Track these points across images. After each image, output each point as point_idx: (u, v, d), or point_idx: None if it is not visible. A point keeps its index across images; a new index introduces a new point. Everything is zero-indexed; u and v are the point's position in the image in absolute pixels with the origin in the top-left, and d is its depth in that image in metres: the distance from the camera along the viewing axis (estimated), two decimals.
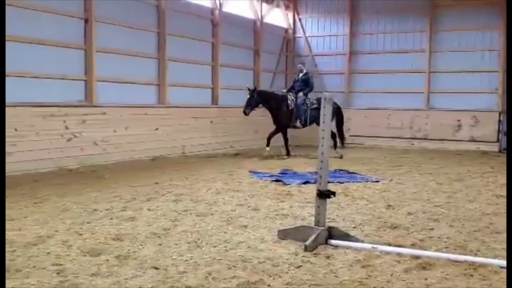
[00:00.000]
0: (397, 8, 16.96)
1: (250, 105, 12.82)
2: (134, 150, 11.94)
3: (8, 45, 9.33)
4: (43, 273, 4.26)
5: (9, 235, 5.31)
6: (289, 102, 13.32)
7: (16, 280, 4.08)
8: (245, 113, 12.85)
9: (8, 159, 9.26)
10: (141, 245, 5.12)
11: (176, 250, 4.97)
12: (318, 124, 12.82)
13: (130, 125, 11.92)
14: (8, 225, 5.75)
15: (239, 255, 4.83)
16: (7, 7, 9.43)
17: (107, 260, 4.63)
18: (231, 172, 10.30)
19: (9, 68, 9.33)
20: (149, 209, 6.74)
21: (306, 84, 13.68)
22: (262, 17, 17.06)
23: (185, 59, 13.94)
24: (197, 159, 12.57)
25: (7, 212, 6.38)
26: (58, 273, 4.26)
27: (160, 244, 5.15)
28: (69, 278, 4.15)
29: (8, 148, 9.26)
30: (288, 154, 13.41)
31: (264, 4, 17.22)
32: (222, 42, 15.27)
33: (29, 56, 10.07)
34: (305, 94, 13.61)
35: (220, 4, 15.11)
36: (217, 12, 15.05)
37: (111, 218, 6.21)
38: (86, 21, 11.16)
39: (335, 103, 12.66)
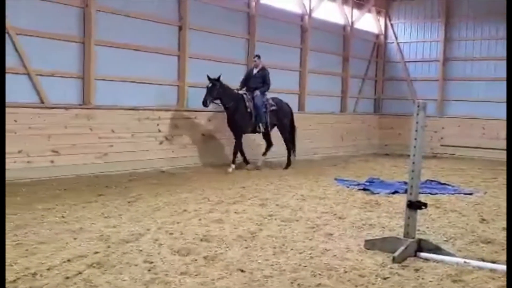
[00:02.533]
0: (495, 13, 16.09)
1: (212, 96, 10.73)
2: (221, 154, 12.16)
3: (111, 51, 9.92)
4: (135, 269, 4.43)
5: (104, 231, 5.59)
6: (246, 103, 11.28)
7: (110, 275, 4.27)
8: (205, 104, 10.63)
9: (104, 159, 9.82)
10: (228, 247, 5.21)
11: (262, 254, 5.00)
12: (280, 129, 11.94)
13: (218, 129, 12.16)
14: (103, 222, 6.07)
15: (325, 263, 4.78)
16: (112, 15, 10.03)
17: (195, 260, 4.74)
18: (316, 179, 10.23)
19: (112, 73, 9.98)
20: (235, 212, 6.84)
21: (263, 81, 11.58)
22: (352, 22, 16.85)
23: (272, 65, 14.02)
24: (283, 165, 12.58)
25: (103, 209, 6.75)
26: (149, 270, 4.42)
27: (246, 247, 5.21)
28: (160, 275, 4.30)
29: (105, 149, 9.80)
30: (247, 162, 11.55)
31: (355, 10, 17.00)
32: (311, 48, 15.23)
33: (130, 62, 10.57)
34: (263, 93, 11.58)
35: (310, 10, 15.10)
36: (306, 18, 15.04)
37: (200, 219, 6.36)
38: (180, 28, 11.56)
39: (281, 101, 12.05)
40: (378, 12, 18.17)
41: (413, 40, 17.93)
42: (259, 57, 11.73)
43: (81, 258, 4.64)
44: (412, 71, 17.91)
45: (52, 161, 9.07)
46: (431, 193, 8.74)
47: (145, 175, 9.95)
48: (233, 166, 10.93)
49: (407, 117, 15.21)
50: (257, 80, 11.57)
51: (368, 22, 17.85)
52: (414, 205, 5.14)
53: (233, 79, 12.91)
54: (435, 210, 7.38)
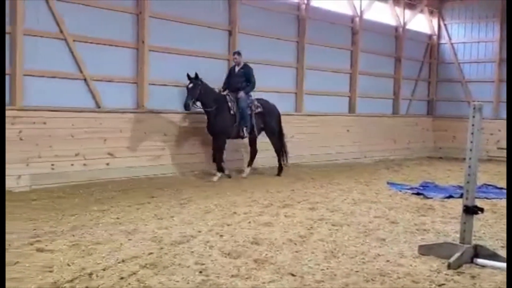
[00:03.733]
0: None
1: (194, 97, 9.53)
2: (271, 156, 12.16)
3: (163, 56, 10.17)
4: (187, 271, 4.50)
5: (157, 233, 5.70)
6: (229, 104, 10.07)
7: (163, 276, 4.35)
8: (188, 107, 9.48)
9: (157, 161, 10.00)
10: (278, 250, 5.20)
11: (313, 259, 4.97)
12: (267, 133, 10.80)
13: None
14: (156, 223, 6.19)
15: (377, 268, 4.70)
16: (164, 21, 10.23)
17: (246, 262, 4.76)
18: (368, 183, 10.09)
19: (164, 77, 10.34)
20: (285, 216, 6.83)
21: (247, 79, 10.35)
22: (404, 23, 16.53)
23: (322, 67, 13.96)
24: (333, 168, 12.48)
25: (156, 211, 6.88)
26: (200, 272, 4.47)
27: (296, 251, 5.19)
28: (211, 277, 4.34)
29: (157, 152, 10.00)
30: (221, 170, 10.03)
31: (406, 10, 16.68)
32: (361, 50, 15.05)
33: (181, 66, 10.60)
34: (247, 94, 10.36)
35: (361, 12, 14.93)
36: (357, 19, 14.88)
37: (249, 222, 6.39)
38: (230, 32, 11.66)
39: (267, 102, 10.85)
40: (431, 13, 17.75)
41: (467, 40, 17.41)
42: (239, 53, 10.48)
43: (135, 258, 4.75)
44: (467, 72, 17.39)
45: (107, 164, 9.32)
46: (487, 198, 8.48)
47: (195, 177, 10.06)
48: (219, 174, 9.86)
49: (461, 119, 14.84)
50: (240, 79, 10.37)
51: (420, 22, 17.46)
52: (471, 210, 4.99)
53: (283, 82, 12.99)
54: (491, 215, 7.15)
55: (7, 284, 3.98)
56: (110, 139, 9.35)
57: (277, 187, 9.17)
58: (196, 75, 9.56)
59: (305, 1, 13.25)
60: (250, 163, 10.75)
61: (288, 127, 12.61)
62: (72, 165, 8.79)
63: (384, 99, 16.30)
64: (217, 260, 4.82)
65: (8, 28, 8.26)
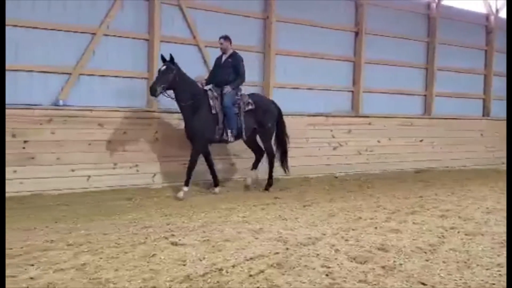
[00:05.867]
0: None
1: (164, 82, 7.71)
2: (397, 161, 11.83)
3: (288, 60, 10.27)
4: (313, 273, 4.49)
5: (283, 234, 5.77)
6: (211, 102, 8.20)
7: (289, 276, 4.38)
8: (154, 92, 7.64)
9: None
10: (407, 258, 5.02)
11: (444, 268, 4.73)
12: (260, 135, 8.75)
13: (394, 135, 11.85)
14: (281, 224, 6.27)
15: None
16: (290, 25, 10.35)
17: (373, 268, 4.66)
18: (503, 190, 9.41)
19: (289, 81, 10.41)
20: (414, 223, 6.58)
21: (235, 71, 8.42)
22: None
23: (454, 68, 13.28)
24: (464, 174, 11.81)
25: (280, 212, 6.98)
26: (327, 275, 4.44)
27: (426, 260, 4.98)
28: (338, 281, 4.30)
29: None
30: (216, 184, 8.52)
31: None
32: (497, 50, 14.09)
33: (305, 69, 10.81)
34: (235, 89, 8.41)
35: (497, 10, 13.98)
36: (492, 18, 13.96)
37: (376, 228, 6.24)
38: (356, 34, 11.51)
39: (273, 102, 9.15)
40: None
41: None
42: (226, 38, 8.49)
43: (262, 257, 4.84)
44: None
45: (232, 165, 9.63)
46: None
47: (319, 180, 10.06)
48: (185, 188, 7.94)
49: None
50: (227, 70, 8.42)
51: None
52: None
53: (408, 83, 12.54)
54: None
55: (146, 275, 4.26)
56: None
57: (404, 193, 8.87)
58: (172, 58, 7.81)
59: (436, 0, 12.71)
60: (256, 166, 8.98)
61: (417, 130, 12.23)
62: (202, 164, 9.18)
63: None
64: (343, 264, 4.76)
65: (146, 35, 8.86)
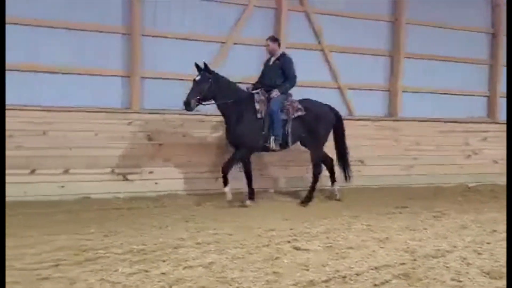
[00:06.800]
0: None
1: (199, 93, 7.23)
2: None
3: (416, 63, 9.95)
4: (443, 286, 4.26)
5: (410, 244, 5.53)
6: (256, 106, 7.60)
7: None
8: (188, 106, 7.18)
9: (409, 171, 9.80)
10: None
11: None
12: (308, 141, 7.88)
13: None
14: (409, 234, 6.02)
15: None
16: (420, 27, 9.97)
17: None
18: None
19: (417, 84, 10.10)
20: None
21: (284, 74, 7.76)
22: None
23: None
24: None
25: (408, 222, 6.71)
26: None
27: None
28: None
29: (409, 161, 9.79)
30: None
31: None
32: None
33: (435, 73, 10.38)
34: (284, 93, 7.75)
35: None
36: None
37: None
38: (493, 35, 10.81)
39: (329, 108, 8.23)
40: None
41: None
42: (274, 39, 7.92)
43: (387, 267, 4.69)
44: None
45: (358, 171, 9.43)
46: None
47: (450, 190, 9.55)
48: (248, 202, 7.67)
49: None
50: (274, 73, 7.80)
51: None
52: None
53: None
54: None
55: (269, 276, 4.31)
56: (362, 147, 9.46)
57: None
58: (205, 65, 7.35)
59: None
60: (333, 178, 8.38)
61: None
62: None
63: None
64: (475, 279, 4.46)
65: None
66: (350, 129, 9.35)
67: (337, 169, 8.39)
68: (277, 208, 7.54)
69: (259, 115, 7.56)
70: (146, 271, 4.37)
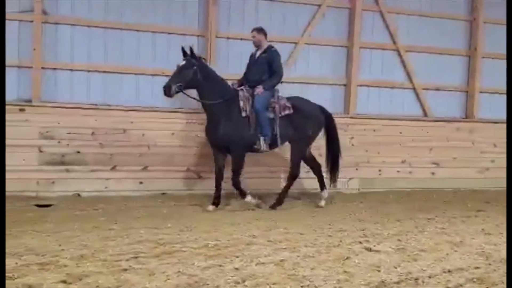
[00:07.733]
0: None
1: (180, 81, 6.70)
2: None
3: (495, 63, 9.62)
4: None
5: (486, 248, 5.39)
6: (241, 103, 7.05)
7: None
8: (167, 91, 6.66)
9: (485, 174, 9.51)
10: None
11: None
12: (294, 143, 7.26)
13: None
14: (484, 238, 5.87)
15: None
16: (498, 26, 9.63)
17: None
18: None
19: (495, 85, 9.78)
20: None
21: (270, 69, 7.18)
22: None
23: None
24: None
25: (483, 226, 6.52)
26: None
27: None
28: None
29: (486, 164, 9.50)
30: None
31: None
32: None
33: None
34: (268, 89, 7.15)
35: None
36: None
37: None
38: None
39: (320, 108, 7.59)
40: None
41: None
42: (259, 30, 7.27)
43: (461, 271, 4.60)
44: None
45: (432, 173, 9.30)
46: None
47: None
48: (249, 198, 7.26)
49: None
50: (260, 68, 7.22)
51: None
52: None
53: None
54: None
55: (340, 276, 4.35)
56: (436, 148, 9.28)
57: None
58: (192, 51, 6.83)
59: None
60: (323, 185, 7.74)
61: None
62: (398, 171, 9.07)
63: None
64: None
65: (345, 42, 9.03)
66: (424, 130, 9.25)
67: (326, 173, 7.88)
68: (350, 208, 7.54)
69: (243, 114, 7.04)
70: (220, 265, 4.52)
